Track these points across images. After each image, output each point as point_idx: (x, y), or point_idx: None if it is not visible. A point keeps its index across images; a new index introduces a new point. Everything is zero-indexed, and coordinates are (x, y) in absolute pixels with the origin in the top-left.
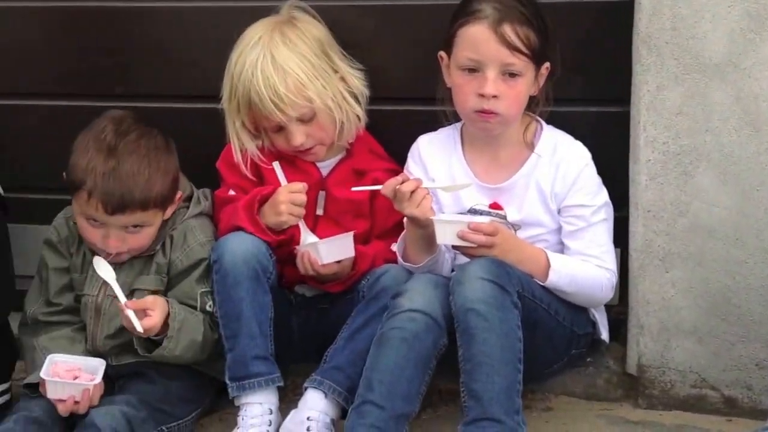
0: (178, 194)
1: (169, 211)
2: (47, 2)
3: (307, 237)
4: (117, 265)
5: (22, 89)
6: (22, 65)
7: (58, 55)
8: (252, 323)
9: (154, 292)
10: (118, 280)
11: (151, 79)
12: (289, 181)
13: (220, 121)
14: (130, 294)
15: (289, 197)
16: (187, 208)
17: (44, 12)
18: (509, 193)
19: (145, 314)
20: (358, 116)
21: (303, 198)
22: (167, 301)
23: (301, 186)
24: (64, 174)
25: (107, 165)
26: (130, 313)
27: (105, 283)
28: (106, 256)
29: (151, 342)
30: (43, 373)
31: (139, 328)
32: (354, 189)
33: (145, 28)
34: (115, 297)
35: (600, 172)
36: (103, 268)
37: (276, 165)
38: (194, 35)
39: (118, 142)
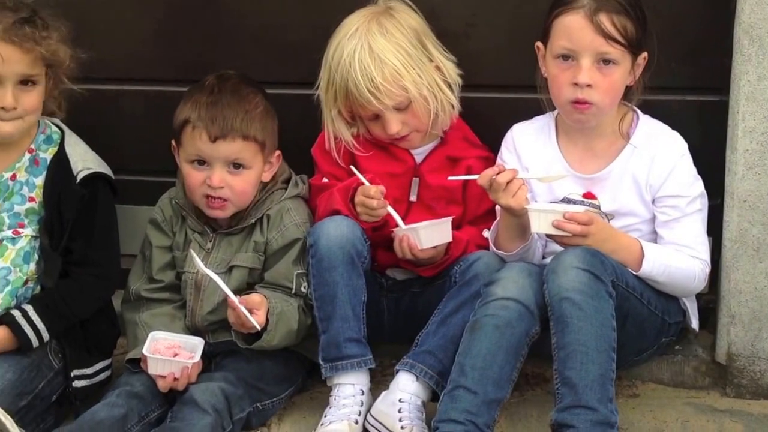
0: (276, 153)
1: (267, 174)
2: None
3: (400, 222)
4: (216, 242)
5: (131, 74)
6: (130, 51)
7: (165, 41)
8: (346, 306)
9: (251, 270)
10: (216, 255)
11: (251, 65)
12: (383, 168)
13: (315, 108)
14: (228, 271)
15: (361, 200)
16: (285, 189)
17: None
18: (603, 183)
19: (251, 312)
20: (452, 104)
21: (373, 203)
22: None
23: (374, 190)
24: (172, 143)
25: (210, 98)
26: (244, 310)
27: (206, 259)
28: (210, 206)
29: (250, 333)
30: (145, 350)
31: (257, 326)
32: (450, 178)
33: (246, 15)
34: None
35: (696, 161)
36: (206, 268)
37: (353, 168)
38: (295, 22)
39: (221, 85)
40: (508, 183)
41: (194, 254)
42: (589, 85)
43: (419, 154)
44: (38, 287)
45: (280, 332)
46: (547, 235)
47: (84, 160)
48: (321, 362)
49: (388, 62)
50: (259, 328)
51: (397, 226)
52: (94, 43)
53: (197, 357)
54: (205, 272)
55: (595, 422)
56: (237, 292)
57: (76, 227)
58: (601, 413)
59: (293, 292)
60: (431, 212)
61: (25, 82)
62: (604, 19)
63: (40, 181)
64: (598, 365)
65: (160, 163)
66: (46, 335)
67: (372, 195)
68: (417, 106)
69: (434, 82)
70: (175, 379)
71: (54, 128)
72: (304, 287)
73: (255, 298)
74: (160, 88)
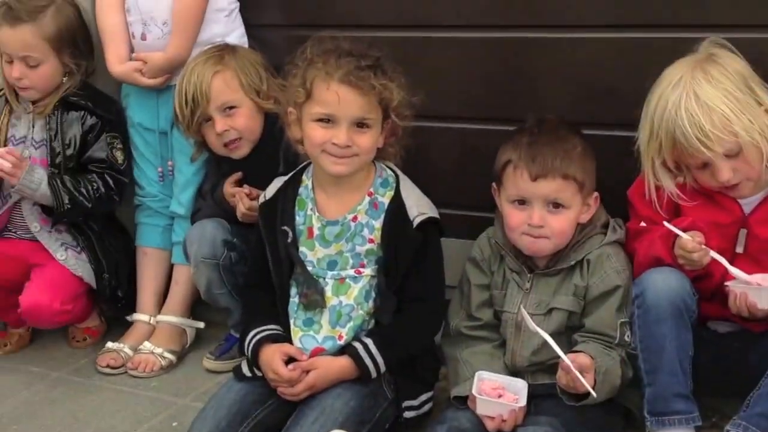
0: (594, 195)
1: (585, 215)
2: (466, 33)
3: (739, 275)
4: (534, 282)
5: (440, 112)
6: (452, 91)
7: (484, 82)
8: (674, 360)
9: (570, 313)
10: (534, 295)
11: (566, 105)
12: (708, 218)
13: (630, 151)
14: (548, 312)
15: (680, 253)
16: (604, 234)
17: (463, 41)
18: None
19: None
20: None
21: (693, 256)
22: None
23: (692, 245)
24: (492, 185)
25: (530, 138)
26: (578, 374)
27: (524, 299)
28: (530, 245)
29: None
30: (474, 390)
31: (590, 390)
32: None
33: (562, 57)
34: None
35: None
36: (538, 328)
37: (667, 224)
38: (610, 63)
39: (541, 126)
40: None
41: (525, 313)
42: None
43: (747, 204)
44: (373, 322)
45: (605, 390)
46: None
47: (418, 205)
48: (646, 415)
49: (716, 109)
50: (592, 393)
51: (725, 276)
52: (420, 83)
53: (523, 401)
54: (537, 331)
55: None
56: (555, 334)
57: (410, 268)
58: None
59: (616, 341)
60: (758, 265)
61: (361, 124)
62: None
63: (378, 224)
64: None
65: (476, 199)
66: (383, 367)
67: (690, 249)
68: (748, 152)
69: (766, 127)
70: (503, 420)
71: (389, 172)
72: (628, 336)
73: (585, 360)
74: (479, 126)
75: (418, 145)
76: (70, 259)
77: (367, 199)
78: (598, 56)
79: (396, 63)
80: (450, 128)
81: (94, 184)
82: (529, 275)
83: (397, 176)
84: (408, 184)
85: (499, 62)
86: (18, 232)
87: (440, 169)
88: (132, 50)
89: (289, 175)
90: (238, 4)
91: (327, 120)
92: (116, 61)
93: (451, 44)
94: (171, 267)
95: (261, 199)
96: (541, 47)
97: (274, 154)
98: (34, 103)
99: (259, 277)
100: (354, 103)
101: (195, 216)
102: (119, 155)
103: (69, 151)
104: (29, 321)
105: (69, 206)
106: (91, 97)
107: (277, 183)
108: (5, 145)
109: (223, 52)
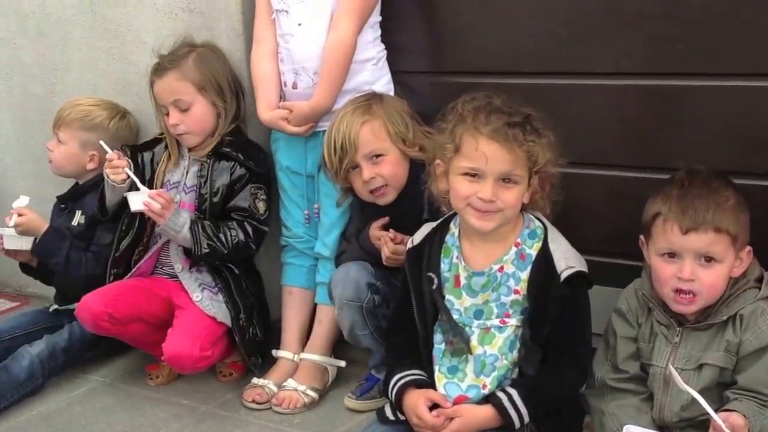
0: (747, 249)
1: (738, 269)
2: (618, 80)
3: None
4: (683, 336)
5: (590, 158)
6: (590, 135)
7: (631, 128)
8: None
9: (722, 370)
10: (683, 350)
11: (717, 154)
12: None
13: None
14: (698, 368)
15: None
16: (758, 288)
17: (615, 89)
18: None
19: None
20: None
21: None
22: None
23: None
24: (640, 238)
25: (680, 191)
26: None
27: (673, 353)
28: (677, 300)
29: None
30: None
31: None
32: None
33: (709, 105)
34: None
35: None
36: (688, 387)
37: None
38: (761, 113)
39: (691, 178)
40: None
41: (674, 371)
42: None
43: None
44: (517, 372)
45: None
46: None
47: (566, 258)
48: None
49: None
50: None
51: None
52: (570, 129)
53: None
54: (686, 390)
55: None
56: (705, 390)
57: (556, 320)
58: None
59: None
60: None
61: (507, 179)
62: None
63: (525, 275)
64: None
65: (625, 246)
66: (527, 418)
67: None
68: None
69: None
70: None
71: (537, 223)
72: None
73: (738, 420)
74: (629, 174)
75: (568, 191)
76: (205, 300)
77: (514, 249)
78: (752, 105)
79: (546, 110)
80: (600, 175)
81: (233, 231)
82: (678, 329)
83: (545, 227)
84: (556, 236)
85: (650, 109)
86: (165, 270)
87: (589, 216)
88: (283, 98)
89: (438, 222)
90: (385, 52)
91: (473, 174)
92: (265, 108)
93: (602, 91)
94: (314, 306)
95: (408, 245)
96: (693, 95)
97: (419, 200)
98: (192, 149)
99: (403, 321)
100: (501, 158)
101: (339, 258)
102: (261, 206)
103: (215, 199)
104: (173, 368)
105: (207, 250)
106: (242, 147)
107: (425, 229)
108: (162, 188)
109: (371, 101)
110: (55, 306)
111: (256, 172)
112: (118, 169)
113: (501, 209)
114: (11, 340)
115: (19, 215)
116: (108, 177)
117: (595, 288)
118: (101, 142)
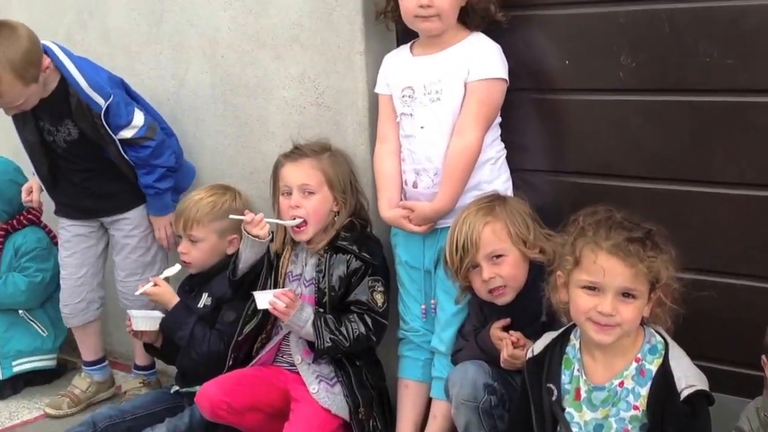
0: None
1: None
2: (743, 191)
3: None
4: None
5: (710, 266)
6: (710, 245)
7: (749, 238)
8: None
9: None
10: None
11: None
12: None
13: None
14: None
15: None
16: None
17: (738, 198)
18: None
19: None
20: None
21: None
22: None
23: None
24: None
25: None
26: None
27: None
28: None
29: None
30: None
31: None
32: None
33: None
34: None
35: None
36: None
37: None
38: None
39: None
40: None
41: None
42: None
43: None
44: None
45: None
46: None
47: (687, 377)
48: None
49: None
50: None
51: None
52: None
53: None
54: None
55: None
56: None
57: None
58: None
59: None
60: None
61: (627, 294)
62: None
63: (645, 391)
64: None
65: (747, 356)
66: None
67: None
68: None
69: None
70: None
71: (658, 338)
72: None
73: None
74: (754, 283)
75: (690, 297)
76: (321, 392)
77: (635, 365)
78: None
79: (666, 216)
80: (722, 284)
81: (354, 324)
82: None
83: (666, 343)
84: (677, 352)
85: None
86: (285, 359)
87: (712, 322)
88: (404, 196)
89: (558, 332)
90: (504, 151)
91: (593, 288)
92: (386, 206)
93: (725, 200)
94: (429, 400)
95: (528, 354)
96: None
97: (537, 302)
98: (308, 243)
99: (521, 427)
100: (620, 273)
101: (456, 355)
102: (380, 298)
103: (334, 293)
104: None
105: (329, 344)
106: (357, 240)
107: (546, 339)
108: (284, 280)
109: (494, 203)
110: (176, 387)
111: (372, 264)
112: (261, 223)
113: (620, 323)
114: (133, 420)
115: (155, 285)
116: (250, 237)
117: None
118: (231, 216)
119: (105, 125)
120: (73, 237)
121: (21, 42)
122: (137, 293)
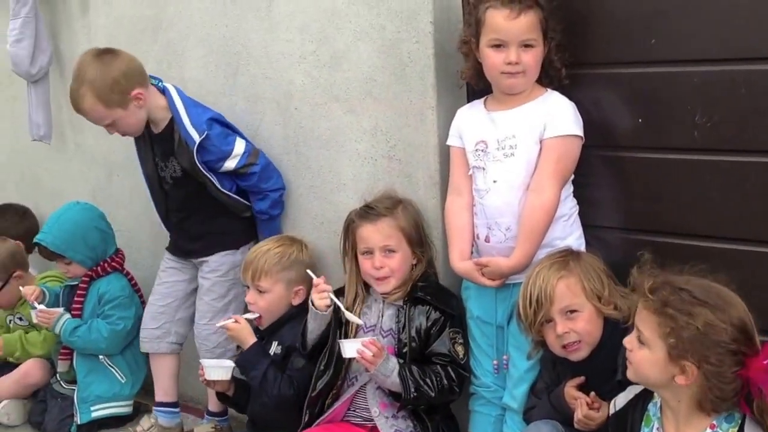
0: None
1: None
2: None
3: None
4: None
5: None
6: None
7: None
8: None
9: None
10: None
11: None
12: None
13: None
14: None
15: None
16: None
17: None
18: None
19: None
20: None
21: None
22: None
23: None
24: None
25: None
26: None
27: None
28: None
29: None
30: None
31: None
32: None
33: None
34: None
35: None
36: None
37: None
38: None
39: None
40: None
41: None
42: None
43: None
44: None
45: None
46: None
47: None
48: None
49: None
50: None
51: None
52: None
53: None
54: None
55: None
56: None
57: None
58: None
59: None
60: None
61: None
62: None
63: None
64: None
65: None
66: None
67: None
68: None
69: None
70: None
71: (740, 413)
72: None
73: None
74: None
75: None
76: None
77: (709, 431)
78: None
79: (741, 277)
80: None
81: (438, 375)
82: None
83: (744, 415)
84: (753, 426)
85: None
86: (358, 413)
87: None
88: (475, 249)
89: (642, 388)
90: (577, 207)
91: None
92: (458, 258)
93: None
94: None
95: (611, 409)
96: None
97: (612, 359)
98: (385, 294)
99: None
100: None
101: (528, 413)
102: (460, 350)
103: (415, 344)
104: None
105: (415, 394)
106: (434, 292)
107: (629, 394)
108: (356, 331)
109: (567, 258)
110: None
111: (451, 315)
112: (323, 293)
113: None
114: None
115: (235, 321)
116: (313, 304)
117: None
118: (308, 271)
119: (197, 161)
120: (168, 268)
121: (112, 70)
122: (218, 325)
